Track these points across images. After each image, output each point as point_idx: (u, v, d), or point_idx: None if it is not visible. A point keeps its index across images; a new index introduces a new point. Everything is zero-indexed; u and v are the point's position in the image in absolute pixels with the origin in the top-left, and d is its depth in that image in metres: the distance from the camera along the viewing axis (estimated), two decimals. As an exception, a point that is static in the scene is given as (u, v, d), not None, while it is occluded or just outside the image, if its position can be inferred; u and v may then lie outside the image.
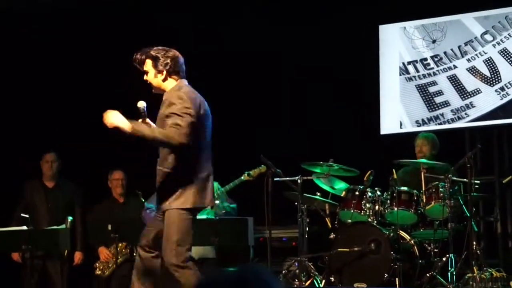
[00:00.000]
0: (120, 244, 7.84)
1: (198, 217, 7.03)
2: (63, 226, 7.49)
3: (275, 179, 7.22)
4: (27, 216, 7.53)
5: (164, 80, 5.28)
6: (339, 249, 7.12)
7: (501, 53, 8.43)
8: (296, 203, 7.44)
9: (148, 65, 5.27)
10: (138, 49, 5.40)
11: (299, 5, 9.14)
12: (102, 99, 9.35)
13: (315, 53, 9.09)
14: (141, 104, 5.29)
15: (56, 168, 8.29)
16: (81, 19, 9.50)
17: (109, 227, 7.81)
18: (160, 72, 5.26)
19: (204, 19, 9.39)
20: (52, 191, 8.26)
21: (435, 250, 7.22)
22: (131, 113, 5.24)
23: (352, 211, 7.40)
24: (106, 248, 7.98)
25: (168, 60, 5.26)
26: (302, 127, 8.95)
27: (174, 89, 5.26)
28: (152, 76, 5.28)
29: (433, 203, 7.21)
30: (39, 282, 7.95)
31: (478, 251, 6.90)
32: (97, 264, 8.01)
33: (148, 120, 5.30)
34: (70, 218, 7.65)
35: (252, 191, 7.41)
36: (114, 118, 5.07)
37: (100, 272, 7.96)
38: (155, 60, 5.25)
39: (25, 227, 7.21)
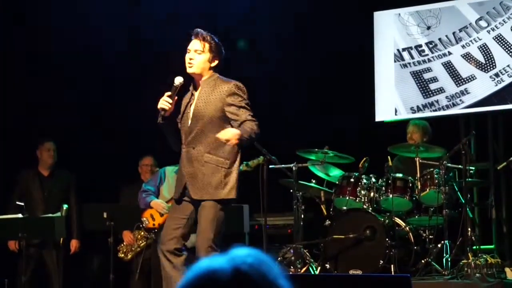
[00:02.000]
0: (142, 232, 7.83)
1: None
2: (59, 214, 7.48)
3: (270, 166, 7.22)
4: (22, 204, 7.53)
5: (210, 68, 5.34)
6: (334, 236, 7.14)
7: (496, 39, 8.42)
8: (291, 190, 7.45)
9: (206, 47, 5.31)
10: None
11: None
12: (94, 88, 9.40)
13: (310, 40, 9.08)
14: (178, 80, 5.32)
15: (55, 156, 8.29)
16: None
17: (105, 214, 7.80)
18: (214, 59, 5.34)
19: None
20: (48, 179, 8.25)
21: (430, 236, 7.24)
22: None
23: (347, 198, 7.41)
24: (130, 232, 7.94)
25: (223, 53, 5.39)
26: (297, 114, 8.95)
27: (224, 80, 5.35)
28: (205, 59, 5.32)
29: (428, 189, 7.23)
30: (35, 270, 7.95)
31: (473, 237, 6.93)
32: (120, 247, 8.00)
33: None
34: (65, 206, 7.65)
35: (248, 178, 7.41)
36: (228, 135, 5.06)
37: (123, 255, 7.97)
38: (216, 46, 5.34)
39: (20, 215, 7.21)
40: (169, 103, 5.23)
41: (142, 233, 7.84)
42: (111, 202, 8.17)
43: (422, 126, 7.83)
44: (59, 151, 8.37)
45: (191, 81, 5.44)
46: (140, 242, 7.89)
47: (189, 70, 5.34)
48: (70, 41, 9.22)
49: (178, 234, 5.33)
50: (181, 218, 5.36)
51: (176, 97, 5.31)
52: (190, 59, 5.31)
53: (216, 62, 5.36)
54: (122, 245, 8.00)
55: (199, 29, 5.36)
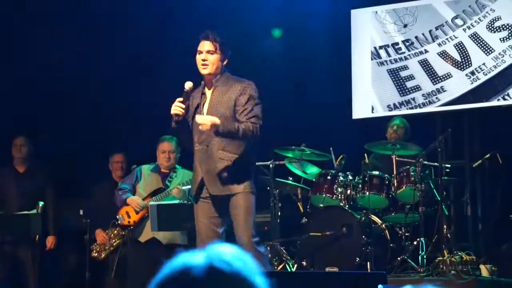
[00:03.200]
0: (115, 230, 7.80)
1: (169, 202, 7.06)
2: (34, 211, 7.44)
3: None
4: (-3, 201, 7.48)
5: (223, 66, 5.45)
6: (311, 234, 7.15)
7: (472, 38, 8.47)
8: (268, 188, 7.45)
9: (217, 47, 5.40)
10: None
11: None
12: (70, 83, 9.35)
13: (287, 38, 9.08)
14: (188, 85, 5.39)
15: (26, 152, 8.19)
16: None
17: (81, 211, 7.78)
18: (225, 57, 5.45)
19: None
20: (23, 176, 8.18)
21: (406, 234, 7.27)
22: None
23: (324, 195, 7.43)
24: (103, 231, 7.90)
25: (230, 49, 5.51)
26: (274, 112, 8.94)
27: (238, 79, 5.47)
28: (217, 58, 5.40)
29: (404, 187, 7.26)
30: (11, 268, 7.90)
31: (448, 235, 6.97)
32: (93, 246, 7.95)
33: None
34: (41, 203, 7.60)
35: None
36: (207, 120, 5.18)
37: (96, 254, 7.92)
38: (225, 45, 5.45)
39: (-5, 212, 7.17)
40: (182, 108, 5.31)
41: (115, 231, 7.81)
42: (87, 199, 8.14)
43: (405, 124, 7.92)
44: (36, 147, 8.31)
45: (199, 80, 5.48)
46: (114, 240, 7.85)
47: (203, 72, 5.43)
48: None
49: (216, 236, 5.44)
50: (210, 220, 5.49)
51: (187, 101, 5.40)
52: (204, 60, 5.41)
53: (227, 60, 5.47)
54: (95, 244, 7.96)
55: (208, 30, 5.46)
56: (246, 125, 5.30)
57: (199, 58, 5.43)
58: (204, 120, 5.18)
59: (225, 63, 5.46)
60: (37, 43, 9.35)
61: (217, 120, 5.18)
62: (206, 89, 5.49)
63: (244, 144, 5.45)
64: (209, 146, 5.39)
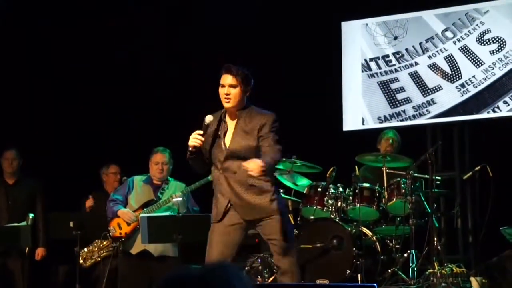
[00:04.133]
0: (105, 242, 7.78)
1: (160, 214, 7.05)
2: (24, 223, 7.41)
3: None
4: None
5: (245, 98, 5.49)
6: (301, 246, 7.14)
7: (462, 50, 8.51)
8: (259, 200, 7.43)
9: (239, 81, 5.42)
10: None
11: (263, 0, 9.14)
12: (63, 96, 9.35)
13: (278, 49, 9.10)
14: (209, 119, 5.45)
15: (16, 166, 8.20)
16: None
17: (71, 223, 7.75)
18: (247, 90, 5.48)
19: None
20: (13, 188, 8.17)
21: (397, 246, 7.28)
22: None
23: (314, 207, 7.44)
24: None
25: (252, 83, 5.54)
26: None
27: (262, 111, 5.54)
28: (239, 91, 5.43)
29: (394, 199, 7.28)
30: (0, 279, 7.87)
31: (439, 247, 6.98)
32: (82, 252, 7.93)
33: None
34: (31, 215, 7.58)
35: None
36: (257, 166, 5.15)
37: (82, 261, 7.90)
38: (247, 78, 5.48)
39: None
40: (201, 141, 5.35)
41: (105, 242, 7.79)
42: (78, 210, 8.12)
43: (399, 137, 7.94)
44: (26, 159, 8.30)
45: (218, 109, 5.55)
46: (102, 251, 7.84)
47: (227, 106, 5.45)
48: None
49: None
50: (230, 246, 5.47)
51: (205, 135, 5.44)
52: (227, 94, 5.41)
53: (249, 92, 5.51)
54: (83, 251, 7.93)
55: (230, 65, 5.48)
56: (273, 153, 5.35)
57: (221, 91, 5.45)
58: (251, 166, 5.16)
59: (247, 95, 5.51)
60: (29, 53, 9.36)
61: (262, 163, 5.17)
62: (227, 118, 5.53)
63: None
64: (237, 173, 5.40)
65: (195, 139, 5.35)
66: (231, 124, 5.50)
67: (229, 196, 5.43)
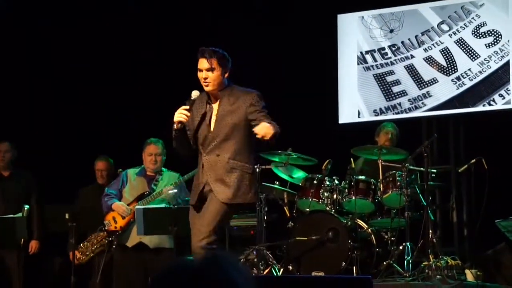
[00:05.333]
0: (98, 237, 7.77)
1: (156, 206, 7.05)
2: (20, 214, 7.41)
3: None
4: (-19, 205, 7.45)
5: (224, 79, 5.48)
6: (297, 238, 7.15)
7: (457, 43, 8.51)
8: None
9: (215, 63, 5.42)
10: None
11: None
12: (56, 89, 9.34)
13: (273, 42, 9.09)
14: (195, 94, 5.44)
15: (8, 158, 8.19)
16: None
17: (67, 215, 7.73)
18: (225, 71, 5.47)
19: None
20: (7, 180, 8.16)
21: (392, 238, 7.28)
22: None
23: (310, 200, 7.43)
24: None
25: (230, 62, 5.51)
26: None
27: (244, 89, 5.53)
28: (217, 74, 5.43)
29: (390, 192, 7.28)
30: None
31: (434, 240, 6.98)
32: (80, 247, 7.92)
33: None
34: (26, 207, 7.58)
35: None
36: (269, 129, 5.19)
37: (79, 255, 7.89)
38: (223, 59, 5.46)
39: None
40: (186, 116, 5.34)
41: (99, 237, 7.78)
42: (73, 203, 8.11)
43: (397, 129, 7.93)
44: (21, 152, 8.29)
45: (201, 91, 5.52)
46: (95, 247, 7.81)
47: (207, 89, 5.46)
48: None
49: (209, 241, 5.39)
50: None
51: (191, 110, 5.43)
52: (205, 78, 5.42)
53: (228, 73, 5.50)
54: (80, 246, 7.93)
55: (204, 48, 5.46)
56: (274, 125, 5.30)
57: (200, 76, 5.46)
58: (262, 130, 5.19)
59: (226, 75, 5.48)
60: (24, 48, 9.35)
61: (272, 128, 5.21)
62: (210, 101, 5.52)
63: (253, 152, 5.56)
64: (220, 155, 5.42)
65: (181, 114, 5.33)
66: (215, 106, 5.49)
67: (209, 178, 5.42)
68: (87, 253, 7.85)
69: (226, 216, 5.52)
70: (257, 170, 7.29)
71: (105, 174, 8.30)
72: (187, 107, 5.36)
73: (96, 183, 8.34)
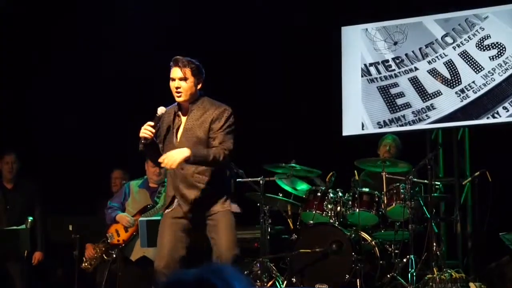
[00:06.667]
0: (102, 246, 7.76)
1: (159, 218, 7.03)
2: (23, 226, 7.41)
3: (237, 179, 7.22)
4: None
5: (197, 90, 5.39)
6: (300, 250, 7.14)
7: (461, 56, 8.51)
8: (258, 204, 7.45)
9: (188, 73, 5.34)
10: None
11: (263, 5, 9.14)
12: (62, 98, 9.35)
13: (278, 54, 9.11)
14: (161, 110, 5.38)
15: (16, 169, 8.22)
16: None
17: (70, 227, 7.74)
18: (198, 81, 5.39)
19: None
20: (11, 192, 8.18)
21: (396, 251, 7.27)
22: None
23: (314, 212, 7.43)
24: (92, 246, 7.84)
25: (204, 73, 5.42)
26: (265, 128, 8.96)
27: (215, 103, 5.42)
28: (190, 84, 5.35)
29: (394, 204, 7.27)
30: (-1, 283, 7.87)
31: (438, 252, 6.97)
32: (84, 258, 7.94)
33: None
34: (30, 219, 7.58)
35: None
36: (174, 159, 5.13)
37: (85, 264, 7.89)
38: (197, 70, 5.37)
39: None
40: (151, 132, 5.27)
41: (98, 249, 7.77)
42: (82, 214, 8.12)
43: (398, 142, 7.95)
44: (27, 161, 8.31)
45: (171, 103, 5.47)
46: (94, 258, 7.80)
47: (179, 99, 5.37)
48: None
49: (177, 254, 5.36)
50: (178, 239, 5.40)
51: (157, 126, 5.37)
52: (177, 88, 5.34)
53: (201, 83, 5.40)
54: (85, 257, 7.92)
55: (178, 57, 5.38)
56: (217, 151, 5.25)
57: (172, 85, 5.37)
58: (170, 160, 5.13)
59: (199, 86, 5.39)
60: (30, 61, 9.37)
61: (185, 153, 5.14)
62: (180, 112, 5.44)
63: (221, 167, 5.42)
64: (184, 169, 5.35)
65: (146, 130, 5.26)
66: (183, 118, 5.41)
67: (175, 191, 5.39)
68: (92, 262, 7.83)
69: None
70: (261, 182, 7.32)
71: (118, 182, 8.33)
72: (152, 123, 5.29)
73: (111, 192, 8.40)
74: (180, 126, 5.41)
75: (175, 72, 5.35)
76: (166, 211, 5.48)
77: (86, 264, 7.87)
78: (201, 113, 5.36)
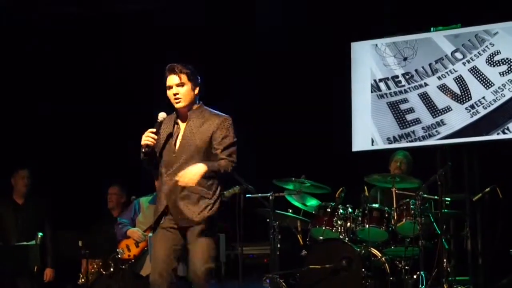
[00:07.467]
0: (97, 260, 7.78)
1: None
2: (33, 242, 7.42)
3: (247, 195, 7.19)
4: (-4, 232, 7.49)
5: (195, 95, 5.35)
6: (310, 266, 7.12)
7: (471, 71, 8.51)
8: (268, 220, 7.43)
9: (184, 78, 5.30)
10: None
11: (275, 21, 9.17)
12: (72, 114, 9.38)
13: (288, 69, 9.11)
14: (162, 115, 5.30)
15: (29, 184, 8.25)
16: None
17: (80, 243, 7.74)
18: (195, 86, 5.34)
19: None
20: (22, 208, 8.20)
21: (406, 267, 7.24)
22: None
23: (323, 228, 7.41)
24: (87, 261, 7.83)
25: (199, 79, 5.37)
26: (275, 143, 8.96)
27: (214, 112, 5.37)
28: (188, 89, 5.31)
29: (404, 220, 7.25)
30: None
31: (448, 269, 6.94)
32: (80, 274, 7.94)
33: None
34: (40, 234, 7.59)
35: (224, 207, 7.37)
36: (191, 175, 5.08)
37: (83, 280, 7.89)
38: (193, 75, 5.33)
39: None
40: (154, 139, 5.22)
41: (95, 264, 7.75)
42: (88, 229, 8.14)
43: (410, 159, 7.93)
44: (35, 177, 8.34)
45: (172, 112, 5.42)
46: (91, 273, 7.79)
47: (178, 106, 5.32)
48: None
49: (170, 266, 5.29)
50: (170, 250, 5.30)
51: (159, 132, 5.30)
52: (175, 94, 5.29)
53: (198, 88, 5.36)
54: (82, 273, 7.94)
55: (172, 64, 5.33)
56: (225, 163, 5.22)
57: (170, 93, 5.31)
58: (187, 177, 5.08)
59: (196, 91, 5.34)
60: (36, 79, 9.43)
61: (202, 170, 5.10)
62: (179, 120, 5.38)
63: (216, 178, 5.33)
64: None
65: (148, 137, 5.19)
66: (182, 126, 5.35)
67: (169, 201, 5.27)
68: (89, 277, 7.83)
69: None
70: (271, 197, 7.31)
71: (113, 198, 8.33)
72: (154, 130, 5.22)
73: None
74: (179, 134, 5.34)
75: (172, 79, 5.30)
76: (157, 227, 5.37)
77: (82, 280, 7.88)
78: (201, 122, 5.31)
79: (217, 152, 5.26)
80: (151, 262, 5.41)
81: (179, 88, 5.28)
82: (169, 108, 5.38)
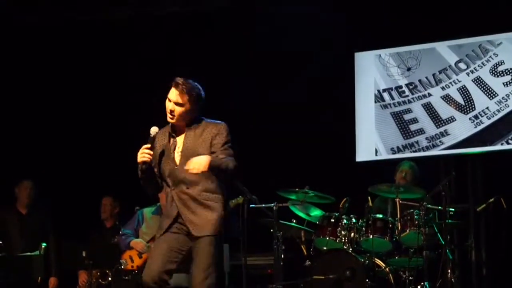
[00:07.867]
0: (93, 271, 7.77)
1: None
2: (37, 252, 7.42)
3: (250, 205, 7.20)
4: (0, 242, 7.47)
5: (191, 115, 5.27)
6: (314, 277, 7.11)
7: (475, 82, 8.51)
8: (271, 230, 7.43)
9: (186, 99, 5.20)
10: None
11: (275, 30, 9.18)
12: (75, 125, 9.39)
13: (292, 79, 9.11)
14: (154, 130, 5.24)
15: (33, 196, 8.27)
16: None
17: (84, 253, 7.74)
18: (194, 109, 5.25)
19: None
20: (26, 218, 8.22)
21: (410, 278, 7.22)
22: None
23: (327, 238, 7.40)
24: (86, 272, 7.85)
25: (203, 99, 5.29)
26: (278, 153, 8.96)
27: (211, 121, 5.33)
28: (185, 111, 5.23)
29: (408, 230, 7.23)
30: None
31: (452, 279, 6.93)
32: (78, 286, 7.94)
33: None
34: (44, 245, 7.60)
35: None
36: (200, 162, 5.04)
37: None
38: (196, 97, 5.23)
39: (-2, 254, 7.16)
40: (150, 155, 5.16)
41: (92, 275, 7.75)
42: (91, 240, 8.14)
43: (416, 169, 7.90)
44: (40, 187, 8.36)
45: (165, 124, 5.39)
46: (89, 285, 7.78)
47: (170, 121, 5.27)
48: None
49: (167, 269, 5.21)
50: (171, 253, 5.24)
51: (153, 147, 5.23)
52: (171, 110, 5.23)
53: (196, 110, 5.29)
54: (78, 286, 7.95)
55: (179, 79, 5.24)
56: (227, 160, 5.16)
57: (167, 105, 5.24)
58: (197, 164, 5.03)
59: (194, 113, 5.26)
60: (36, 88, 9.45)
61: (208, 158, 5.07)
62: (176, 132, 5.32)
63: (222, 183, 5.30)
64: (190, 187, 5.22)
65: (144, 154, 5.12)
66: (180, 138, 5.29)
67: (179, 211, 5.20)
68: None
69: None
70: (274, 208, 7.30)
71: (107, 209, 8.37)
72: (149, 145, 5.16)
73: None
74: (177, 147, 5.28)
75: (173, 94, 5.22)
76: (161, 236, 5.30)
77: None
78: (201, 131, 5.27)
79: (219, 154, 5.23)
80: (148, 261, 5.33)
81: (176, 106, 5.21)
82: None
